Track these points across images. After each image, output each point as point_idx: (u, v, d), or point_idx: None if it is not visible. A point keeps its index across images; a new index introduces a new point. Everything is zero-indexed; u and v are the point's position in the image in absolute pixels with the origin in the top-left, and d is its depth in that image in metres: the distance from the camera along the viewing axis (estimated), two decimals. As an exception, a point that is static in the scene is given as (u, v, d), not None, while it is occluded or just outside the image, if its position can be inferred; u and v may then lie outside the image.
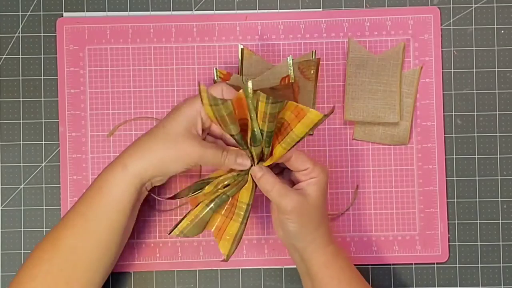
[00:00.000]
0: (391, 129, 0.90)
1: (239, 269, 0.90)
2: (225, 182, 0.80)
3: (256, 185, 0.81)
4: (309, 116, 0.74)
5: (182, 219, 0.81)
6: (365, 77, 0.89)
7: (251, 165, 0.80)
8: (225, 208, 0.82)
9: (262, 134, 0.77)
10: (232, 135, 0.78)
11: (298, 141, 0.76)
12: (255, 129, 0.77)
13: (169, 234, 0.80)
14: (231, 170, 0.81)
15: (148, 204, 0.90)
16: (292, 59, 0.87)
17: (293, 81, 0.86)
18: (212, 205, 0.80)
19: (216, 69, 0.87)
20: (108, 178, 0.79)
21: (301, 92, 0.89)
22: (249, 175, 0.80)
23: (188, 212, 0.81)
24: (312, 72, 0.88)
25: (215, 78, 0.87)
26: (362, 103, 0.89)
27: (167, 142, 0.78)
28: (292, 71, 0.87)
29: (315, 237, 0.80)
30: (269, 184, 0.78)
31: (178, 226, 0.80)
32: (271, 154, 0.79)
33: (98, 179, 0.80)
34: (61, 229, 0.80)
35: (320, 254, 0.80)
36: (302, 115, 0.75)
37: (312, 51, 0.88)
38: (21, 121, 0.91)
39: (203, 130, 0.80)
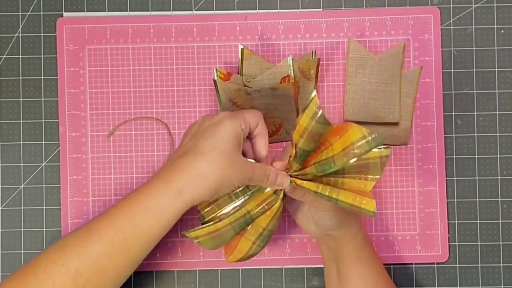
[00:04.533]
0: (391, 129, 0.90)
1: (239, 269, 0.90)
2: (255, 205, 0.79)
3: (280, 212, 0.79)
4: (349, 133, 0.73)
5: (204, 223, 0.78)
6: (365, 77, 0.89)
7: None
8: (242, 228, 0.80)
9: (295, 149, 0.76)
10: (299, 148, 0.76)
11: (335, 169, 0.74)
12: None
13: (184, 233, 0.77)
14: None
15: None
16: (292, 59, 0.87)
17: (293, 81, 0.86)
18: (236, 225, 0.78)
19: (216, 69, 0.87)
20: (158, 202, 0.74)
21: (301, 92, 0.89)
22: (279, 200, 0.78)
23: (211, 222, 0.78)
24: (312, 72, 0.88)
25: (215, 78, 0.87)
26: (362, 103, 0.89)
27: (224, 163, 0.74)
28: (292, 71, 0.87)
29: (352, 230, 0.81)
30: (302, 192, 0.78)
31: (197, 231, 0.77)
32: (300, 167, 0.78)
33: (144, 198, 0.75)
34: (93, 242, 0.74)
35: (354, 240, 0.81)
36: (343, 132, 0.74)
37: (312, 51, 0.88)
38: (21, 121, 0.91)
39: None
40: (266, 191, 0.79)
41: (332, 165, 0.74)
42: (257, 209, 0.79)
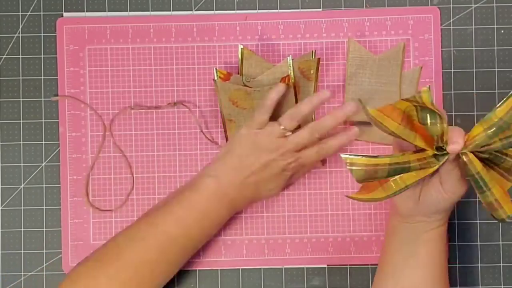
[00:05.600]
0: None
1: (239, 269, 0.90)
2: (416, 158, 0.75)
3: (429, 177, 0.76)
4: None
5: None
6: (365, 77, 0.89)
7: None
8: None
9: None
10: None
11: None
12: None
13: (342, 155, 0.75)
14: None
15: (148, 203, 0.90)
16: (292, 59, 0.87)
17: (293, 81, 0.86)
18: (392, 169, 0.74)
19: (216, 69, 0.87)
20: (219, 213, 0.84)
21: (301, 92, 0.89)
22: (438, 165, 0.75)
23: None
24: (312, 72, 0.88)
25: (215, 78, 0.87)
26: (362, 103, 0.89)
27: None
28: (292, 71, 0.87)
29: (446, 219, 0.80)
30: (458, 169, 0.75)
31: (354, 158, 0.75)
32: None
33: (203, 210, 0.83)
34: (152, 253, 0.81)
35: (439, 231, 0.80)
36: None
37: (312, 51, 0.88)
38: (21, 121, 0.91)
39: None
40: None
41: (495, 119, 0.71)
42: (417, 163, 0.75)
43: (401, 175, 0.75)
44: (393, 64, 0.89)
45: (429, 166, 0.75)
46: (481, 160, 0.73)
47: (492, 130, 0.72)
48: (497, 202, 0.73)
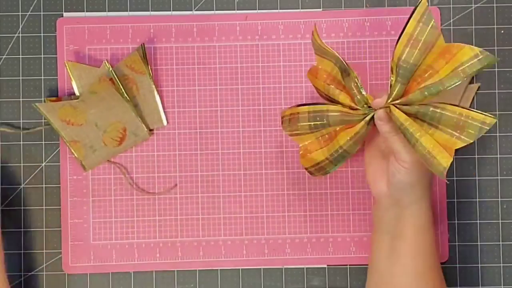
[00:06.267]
0: None
1: (239, 269, 0.90)
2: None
3: (360, 135, 0.78)
4: (458, 55, 0.72)
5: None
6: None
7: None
8: (322, 135, 0.82)
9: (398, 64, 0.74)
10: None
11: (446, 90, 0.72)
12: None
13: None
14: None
15: (148, 203, 0.90)
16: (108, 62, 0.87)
17: (118, 83, 0.86)
18: (314, 126, 0.80)
19: (44, 99, 0.88)
20: None
21: (141, 87, 0.88)
22: (364, 122, 0.77)
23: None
24: (140, 65, 0.88)
25: (37, 104, 0.86)
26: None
27: None
28: (112, 72, 0.87)
29: (423, 196, 0.79)
30: (388, 126, 0.76)
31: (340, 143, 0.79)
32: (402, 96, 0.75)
33: None
34: None
35: (421, 215, 0.79)
36: (450, 57, 0.73)
37: (141, 45, 0.88)
38: (21, 120, 0.91)
39: None
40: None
41: (441, 87, 0.72)
42: (337, 114, 0.78)
43: (336, 138, 0.79)
44: (457, 92, 0.89)
45: (353, 120, 0.77)
46: (415, 117, 0.74)
47: (400, 76, 0.74)
48: (430, 154, 0.73)
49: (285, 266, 0.91)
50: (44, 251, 0.90)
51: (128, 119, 0.88)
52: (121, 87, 0.87)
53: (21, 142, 0.91)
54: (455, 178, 0.91)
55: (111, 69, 0.87)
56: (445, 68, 0.74)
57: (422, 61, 0.75)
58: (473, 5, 0.92)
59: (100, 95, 0.86)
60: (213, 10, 0.92)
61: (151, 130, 0.90)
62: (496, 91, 0.91)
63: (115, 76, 0.87)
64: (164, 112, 0.90)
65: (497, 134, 0.91)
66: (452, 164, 0.90)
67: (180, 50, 0.91)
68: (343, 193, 0.91)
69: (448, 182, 0.76)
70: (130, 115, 0.88)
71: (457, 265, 0.90)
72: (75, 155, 0.88)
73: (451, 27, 0.91)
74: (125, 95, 0.87)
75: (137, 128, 0.89)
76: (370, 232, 0.90)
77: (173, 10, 0.92)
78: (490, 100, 0.91)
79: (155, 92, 0.89)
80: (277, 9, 0.92)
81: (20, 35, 0.91)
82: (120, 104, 0.87)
